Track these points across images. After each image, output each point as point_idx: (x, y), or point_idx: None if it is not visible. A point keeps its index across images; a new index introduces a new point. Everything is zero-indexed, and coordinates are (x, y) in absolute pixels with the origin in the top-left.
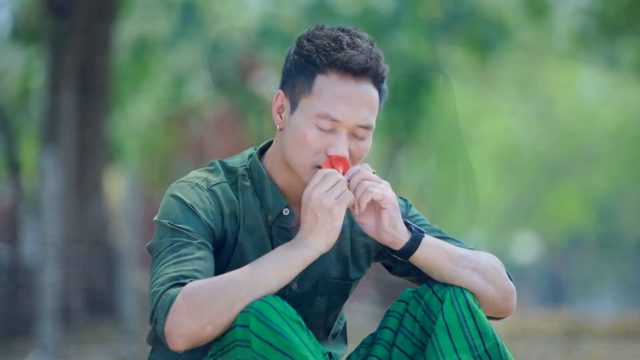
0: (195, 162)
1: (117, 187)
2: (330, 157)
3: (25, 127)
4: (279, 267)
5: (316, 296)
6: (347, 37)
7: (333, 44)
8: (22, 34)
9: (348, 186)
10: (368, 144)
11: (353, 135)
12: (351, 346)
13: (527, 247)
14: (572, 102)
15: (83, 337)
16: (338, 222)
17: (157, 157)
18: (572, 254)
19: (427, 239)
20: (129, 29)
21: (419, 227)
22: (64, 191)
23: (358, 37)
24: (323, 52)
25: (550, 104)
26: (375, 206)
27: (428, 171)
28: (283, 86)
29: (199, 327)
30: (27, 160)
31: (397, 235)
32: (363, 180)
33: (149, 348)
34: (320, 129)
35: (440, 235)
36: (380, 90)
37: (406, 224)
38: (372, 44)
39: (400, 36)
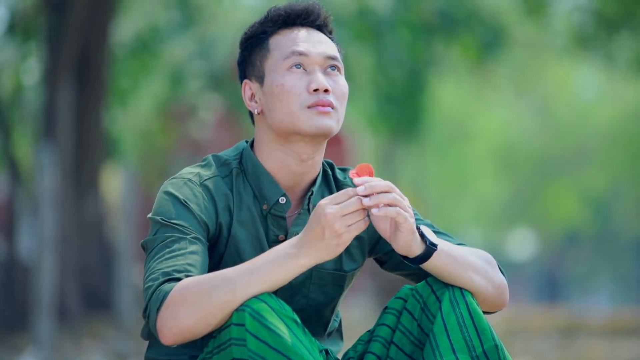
0: (193, 159)
1: (114, 183)
2: (356, 168)
3: (23, 123)
4: (275, 272)
5: (310, 287)
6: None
7: (272, 10)
8: (19, 29)
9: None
10: (344, 81)
11: (326, 73)
12: (348, 342)
13: (523, 244)
14: (569, 99)
15: (79, 332)
16: (342, 247)
17: (154, 154)
18: (568, 251)
19: (439, 249)
20: (126, 25)
21: (432, 241)
22: (61, 187)
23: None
24: (266, 20)
25: (548, 101)
26: (392, 220)
27: (425, 168)
28: (244, 76)
29: (191, 323)
30: (24, 156)
31: (409, 249)
32: (392, 205)
33: (145, 344)
34: (294, 71)
35: (432, 230)
36: (333, 41)
37: (421, 235)
38: None
39: (398, 35)
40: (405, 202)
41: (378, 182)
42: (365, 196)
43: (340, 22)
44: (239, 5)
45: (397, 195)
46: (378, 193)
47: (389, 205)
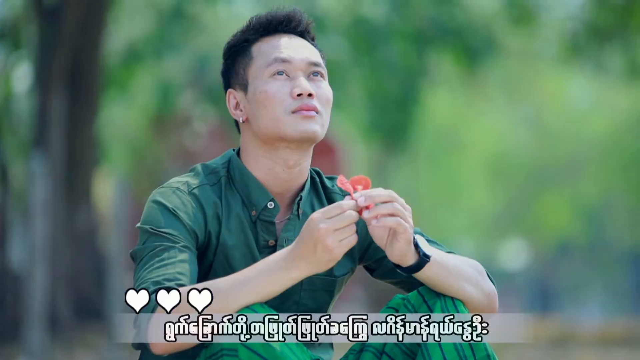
0: (185, 168)
1: (106, 192)
2: (350, 180)
3: (14, 131)
4: (266, 284)
5: (301, 293)
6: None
7: (253, 18)
8: (10, 37)
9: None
10: (328, 87)
11: (309, 79)
12: (339, 352)
13: (516, 254)
14: (562, 109)
15: (71, 342)
16: (334, 262)
17: (146, 162)
18: (561, 261)
19: (432, 260)
20: (117, 35)
21: (425, 252)
22: (52, 196)
23: None
24: (248, 29)
25: (540, 111)
26: (390, 230)
27: (417, 177)
28: (228, 85)
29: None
30: (15, 164)
31: (403, 259)
32: (392, 215)
33: (137, 354)
34: (277, 78)
35: (423, 238)
36: (315, 47)
37: (415, 245)
38: None
39: (391, 45)
40: (408, 212)
41: (378, 192)
42: (366, 207)
43: (334, 31)
44: (234, 17)
45: (398, 205)
46: (378, 203)
47: (390, 215)
